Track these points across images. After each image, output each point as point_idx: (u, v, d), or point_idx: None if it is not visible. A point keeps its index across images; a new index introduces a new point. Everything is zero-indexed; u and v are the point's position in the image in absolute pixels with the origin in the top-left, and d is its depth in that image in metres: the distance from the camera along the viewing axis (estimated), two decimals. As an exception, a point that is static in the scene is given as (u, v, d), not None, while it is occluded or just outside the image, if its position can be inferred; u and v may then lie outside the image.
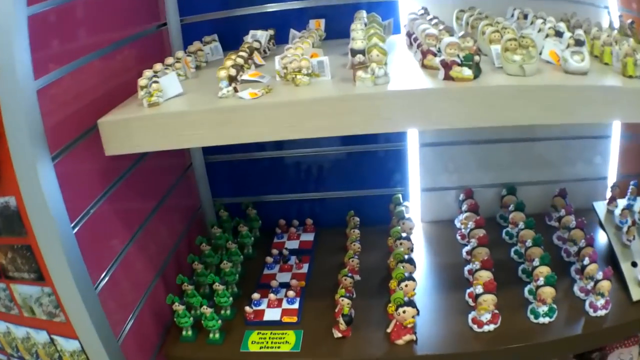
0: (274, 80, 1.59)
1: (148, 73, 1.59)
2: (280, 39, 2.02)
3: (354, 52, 1.46)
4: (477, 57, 1.44)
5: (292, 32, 1.97)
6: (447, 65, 1.43)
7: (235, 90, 1.49)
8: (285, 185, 2.45)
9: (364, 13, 1.93)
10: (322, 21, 2.04)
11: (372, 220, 2.32)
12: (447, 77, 1.43)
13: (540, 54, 1.60)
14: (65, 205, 1.41)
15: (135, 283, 1.82)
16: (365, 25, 1.75)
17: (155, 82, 1.53)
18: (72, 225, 1.46)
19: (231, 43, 2.01)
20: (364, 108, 1.40)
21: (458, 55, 1.44)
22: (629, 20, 2.03)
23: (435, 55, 1.53)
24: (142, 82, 1.54)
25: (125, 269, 1.74)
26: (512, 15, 2.00)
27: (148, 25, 2.01)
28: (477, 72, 1.44)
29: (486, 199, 2.33)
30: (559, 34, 1.63)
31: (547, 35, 1.65)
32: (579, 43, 1.49)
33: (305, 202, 2.47)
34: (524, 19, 1.93)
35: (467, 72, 1.42)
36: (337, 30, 2.02)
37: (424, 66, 1.56)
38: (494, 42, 1.58)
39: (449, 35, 1.54)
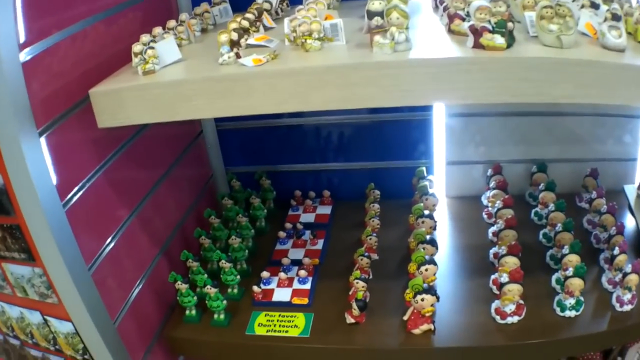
0: (283, 45, 1.44)
1: (145, 38, 1.46)
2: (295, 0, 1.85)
3: (371, 15, 1.29)
4: (510, 24, 1.27)
5: (306, -9, 1.79)
6: (476, 32, 1.27)
7: (238, 56, 1.35)
8: (302, 155, 2.32)
9: None
10: None
11: (394, 193, 2.18)
12: (477, 45, 1.27)
13: (577, 24, 1.43)
14: (55, 183, 1.32)
15: (136, 260, 1.72)
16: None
17: (151, 47, 1.40)
18: (63, 203, 1.36)
19: (243, 4, 1.82)
20: (381, 78, 1.25)
21: (489, 21, 1.28)
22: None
23: (463, 19, 1.37)
24: (136, 48, 1.42)
25: (125, 245, 1.64)
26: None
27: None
28: (511, 40, 1.28)
29: (515, 174, 2.16)
30: (594, 6, 1.48)
31: (582, 6, 1.50)
32: (616, 17, 1.34)
33: (323, 173, 2.34)
34: (558, -13, 1.77)
35: (500, 40, 1.26)
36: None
37: (450, 31, 1.40)
38: (527, 8, 1.42)
39: (478, -2, 1.37)
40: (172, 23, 1.63)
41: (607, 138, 2.15)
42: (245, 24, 1.47)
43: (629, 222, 1.95)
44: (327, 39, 1.37)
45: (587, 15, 1.44)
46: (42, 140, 1.29)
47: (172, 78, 1.37)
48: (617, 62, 1.24)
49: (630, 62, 1.24)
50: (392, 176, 2.25)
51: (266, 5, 1.68)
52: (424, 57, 1.25)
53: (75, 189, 1.44)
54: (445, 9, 1.46)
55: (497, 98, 1.28)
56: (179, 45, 1.59)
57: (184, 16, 1.69)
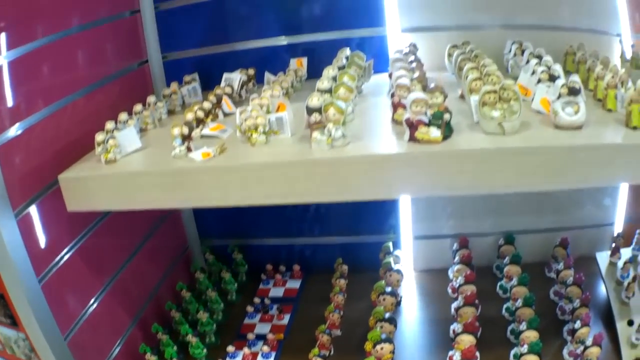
0: (235, 135, 1.51)
1: (109, 125, 1.53)
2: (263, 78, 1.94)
3: (310, 110, 1.36)
4: (447, 115, 1.32)
5: (267, 75, 1.89)
6: (412, 125, 1.31)
7: (189, 149, 1.42)
8: (274, 228, 2.37)
9: (347, 51, 1.85)
10: (304, 60, 1.97)
11: (364, 266, 2.20)
12: (413, 139, 1.31)
13: (532, 100, 1.47)
14: (31, 259, 1.42)
15: (112, 328, 1.79)
16: (342, 68, 1.66)
17: (112, 137, 1.48)
18: (39, 278, 1.46)
19: (215, 79, 1.92)
20: (318, 174, 1.32)
21: (426, 113, 1.31)
22: (644, 50, 1.87)
23: (406, 108, 1.41)
24: (99, 137, 1.49)
25: (101, 315, 1.71)
26: (510, 51, 1.88)
27: (129, 63, 1.98)
28: (448, 131, 1.32)
29: (485, 246, 2.19)
30: (553, 78, 1.48)
31: (539, 80, 1.50)
32: (573, 92, 1.33)
33: (295, 246, 2.38)
34: (522, 55, 1.80)
35: (435, 133, 1.30)
36: (322, 67, 1.83)
37: (394, 121, 1.45)
38: (474, 91, 1.43)
39: (421, 87, 1.42)
40: (138, 107, 1.72)
41: (585, 203, 2.15)
42: (201, 114, 1.54)
43: (602, 292, 1.95)
44: (273, 132, 1.44)
45: (544, 91, 1.45)
46: (18, 220, 1.39)
47: (129, 169, 1.44)
48: (565, 145, 1.26)
49: (581, 142, 1.26)
50: (363, 249, 2.28)
51: (227, 90, 1.76)
52: (358, 154, 1.31)
53: (51, 264, 1.53)
54: (392, 96, 1.51)
55: (432, 192, 1.34)
56: (144, 130, 1.69)
57: (151, 98, 1.78)
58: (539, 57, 1.67)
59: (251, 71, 1.93)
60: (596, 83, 1.53)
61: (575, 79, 1.36)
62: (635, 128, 1.29)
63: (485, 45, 1.91)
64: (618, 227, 2.16)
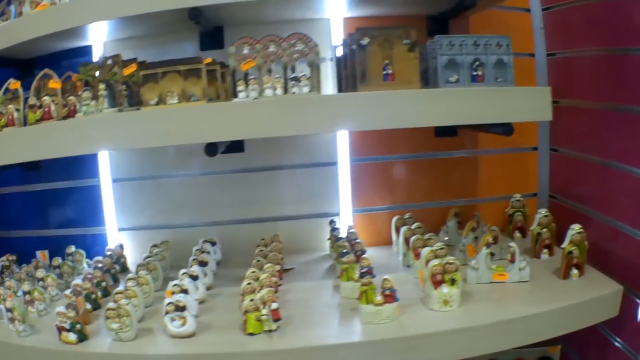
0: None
1: None
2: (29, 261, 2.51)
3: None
4: (78, 325, 1.82)
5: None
6: (59, 330, 1.85)
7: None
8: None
9: (71, 249, 2.51)
10: (46, 252, 2.53)
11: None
12: (61, 339, 1.87)
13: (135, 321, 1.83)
14: None
15: None
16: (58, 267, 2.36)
17: None
18: None
19: None
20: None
21: (67, 322, 1.82)
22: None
23: (68, 330, 1.89)
24: None
25: None
26: (198, 248, 2.37)
27: None
28: (82, 336, 1.86)
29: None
30: (184, 291, 1.88)
31: (173, 292, 1.90)
32: (178, 309, 1.73)
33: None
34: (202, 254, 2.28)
35: (73, 336, 1.85)
36: (61, 254, 2.49)
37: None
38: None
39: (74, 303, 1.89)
40: None
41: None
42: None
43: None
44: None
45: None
46: None
47: None
48: (168, 353, 1.70)
49: (197, 351, 1.65)
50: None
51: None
52: (32, 345, 1.89)
53: None
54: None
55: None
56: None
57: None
58: (203, 264, 2.17)
59: (13, 257, 2.53)
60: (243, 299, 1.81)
61: (180, 297, 1.81)
62: (251, 334, 1.69)
63: (185, 241, 2.45)
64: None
